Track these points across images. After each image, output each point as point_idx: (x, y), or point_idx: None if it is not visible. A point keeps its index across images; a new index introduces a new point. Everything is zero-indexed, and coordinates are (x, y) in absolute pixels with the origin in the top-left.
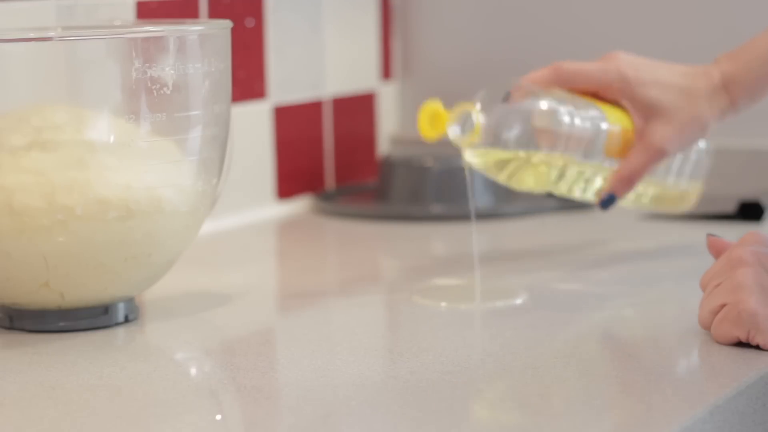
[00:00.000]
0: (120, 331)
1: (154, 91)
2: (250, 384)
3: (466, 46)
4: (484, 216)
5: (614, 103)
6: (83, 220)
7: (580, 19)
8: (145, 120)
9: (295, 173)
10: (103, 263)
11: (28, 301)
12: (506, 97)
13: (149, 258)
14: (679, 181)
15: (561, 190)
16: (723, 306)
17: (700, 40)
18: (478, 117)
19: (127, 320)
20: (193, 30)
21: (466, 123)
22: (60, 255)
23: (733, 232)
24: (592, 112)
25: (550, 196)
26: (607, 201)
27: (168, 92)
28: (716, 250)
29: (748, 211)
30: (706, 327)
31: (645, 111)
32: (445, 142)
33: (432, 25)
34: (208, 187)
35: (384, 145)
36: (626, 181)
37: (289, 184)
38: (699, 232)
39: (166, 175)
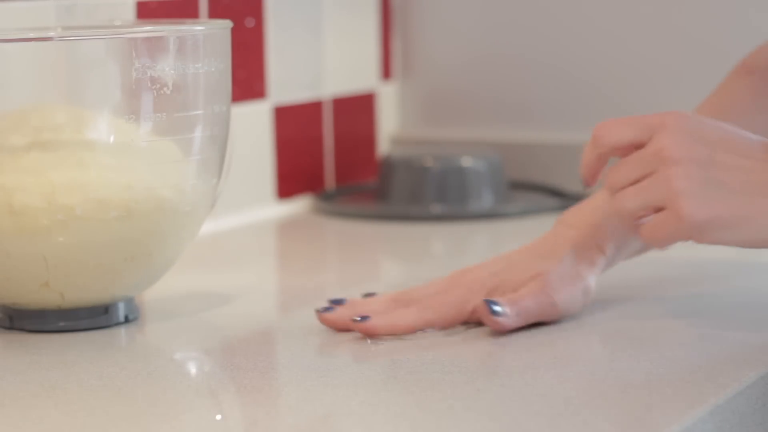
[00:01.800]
0: (120, 331)
1: (154, 91)
2: (250, 384)
3: (467, 46)
4: (484, 216)
5: None
6: (83, 220)
7: (582, 19)
8: (145, 120)
9: (295, 173)
10: (103, 263)
11: (28, 301)
12: None
13: (149, 258)
14: None
15: None
16: (660, 209)
17: (706, 36)
18: None
19: (127, 320)
20: (193, 30)
21: None
22: (60, 255)
23: None
24: None
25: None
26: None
27: (168, 92)
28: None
29: None
30: (633, 217)
31: None
32: (445, 142)
33: (432, 25)
34: (208, 187)
35: (384, 145)
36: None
37: (289, 184)
38: None
39: (166, 175)
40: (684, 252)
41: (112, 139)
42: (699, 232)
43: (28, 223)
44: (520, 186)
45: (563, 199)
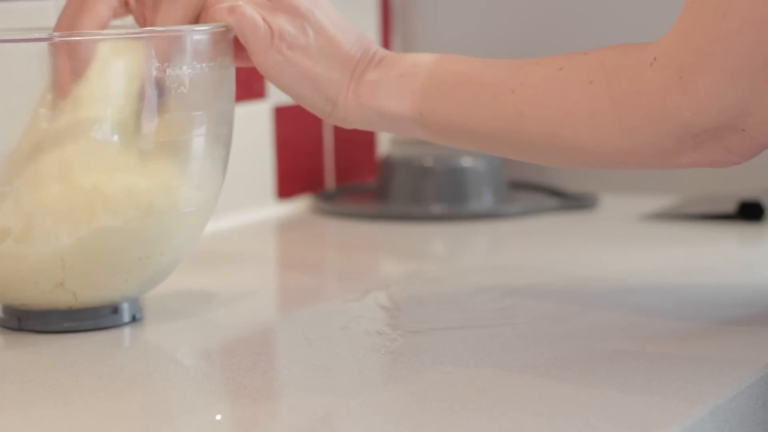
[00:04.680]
0: (121, 331)
1: (168, 91)
2: (250, 384)
3: (466, 45)
4: (484, 216)
5: None
6: (102, 219)
7: (582, 20)
8: (152, 120)
9: (295, 173)
10: (118, 263)
11: (40, 302)
12: None
13: (161, 257)
14: None
15: None
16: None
17: None
18: None
19: (134, 320)
20: (196, 30)
21: None
22: (77, 255)
23: (733, 232)
24: None
25: None
26: None
27: (182, 92)
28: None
29: (748, 211)
30: None
31: None
32: None
33: (432, 24)
34: (216, 185)
35: (384, 145)
36: None
37: (289, 184)
38: (699, 232)
39: (177, 174)
40: (684, 252)
41: (121, 139)
42: (280, 41)
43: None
44: (520, 186)
45: (563, 199)
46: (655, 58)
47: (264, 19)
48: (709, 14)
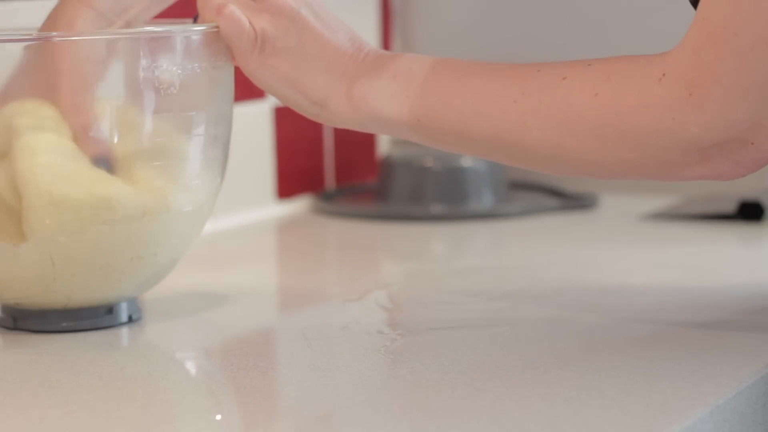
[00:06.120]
0: (121, 331)
1: (158, 91)
2: (250, 384)
3: (467, 46)
4: (484, 216)
5: None
6: (90, 221)
7: (581, 19)
8: (149, 120)
9: (295, 173)
10: (110, 263)
11: (34, 302)
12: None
13: (155, 258)
14: None
15: None
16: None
17: None
18: None
19: (131, 320)
20: (195, 29)
21: None
22: (67, 255)
23: (733, 232)
24: None
25: None
26: None
27: (171, 92)
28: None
29: (748, 211)
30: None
31: None
32: None
33: (432, 25)
34: (213, 186)
35: (384, 145)
36: None
37: (289, 184)
38: (699, 233)
39: (171, 175)
40: (684, 252)
41: (116, 139)
42: (263, 44)
43: (35, 223)
44: (520, 186)
45: (563, 199)
46: (664, 74)
47: (249, 21)
48: (720, 32)
